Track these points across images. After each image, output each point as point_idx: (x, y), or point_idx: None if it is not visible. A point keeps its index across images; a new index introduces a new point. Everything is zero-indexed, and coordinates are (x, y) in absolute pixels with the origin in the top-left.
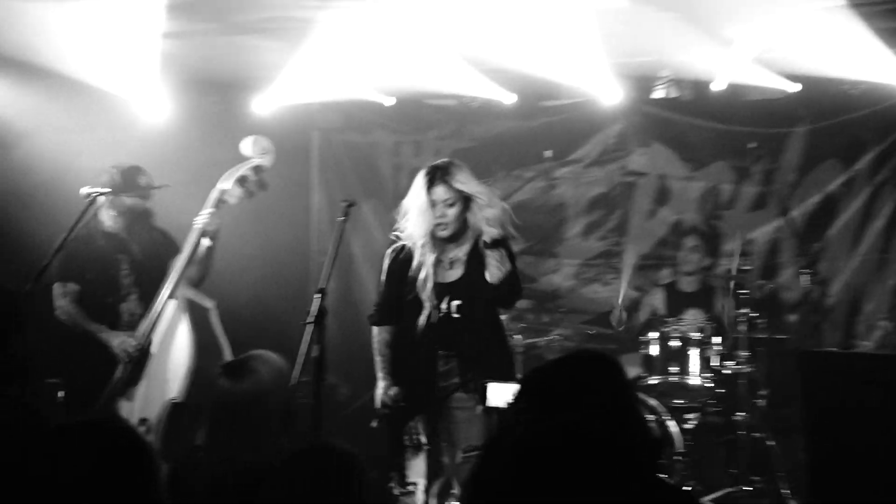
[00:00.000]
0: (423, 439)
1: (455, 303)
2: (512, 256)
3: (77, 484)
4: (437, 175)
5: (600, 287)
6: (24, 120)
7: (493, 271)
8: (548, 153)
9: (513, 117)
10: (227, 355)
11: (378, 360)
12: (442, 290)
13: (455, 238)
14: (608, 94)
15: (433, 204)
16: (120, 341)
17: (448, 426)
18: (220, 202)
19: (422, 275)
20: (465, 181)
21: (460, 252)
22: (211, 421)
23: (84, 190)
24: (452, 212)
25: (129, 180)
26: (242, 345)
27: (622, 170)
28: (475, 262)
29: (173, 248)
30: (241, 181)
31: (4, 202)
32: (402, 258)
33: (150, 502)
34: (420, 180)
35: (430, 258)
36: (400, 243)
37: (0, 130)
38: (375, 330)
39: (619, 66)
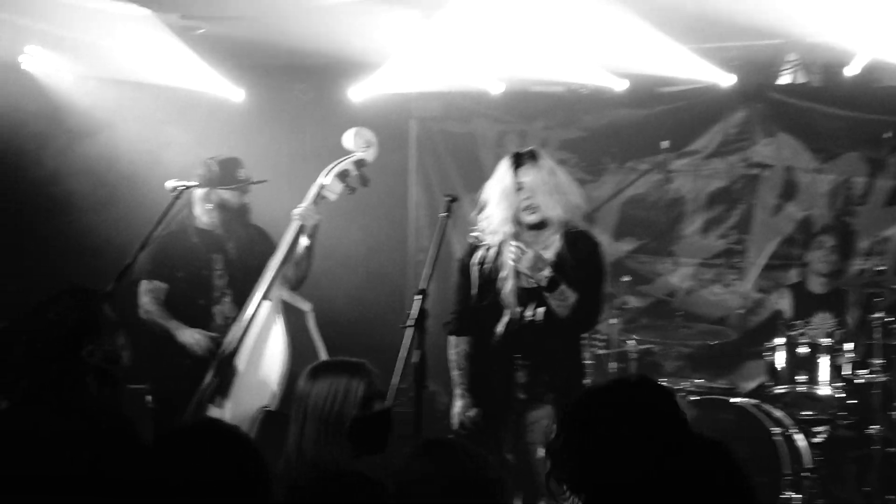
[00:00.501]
0: (509, 457)
1: (541, 310)
2: (579, 277)
3: (191, 489)
4: (526, 157)
5: (720, 289)
6: (105, 109)
7: (560, 311)
8: (664, 144)
9: (626, 105)
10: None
11: (456, 375)
12: (525, 294)
13: (543, 227)
14: (730, 79)
15: (519, 187)
16: (195, 338)
17: (525, 444)
18: (319, 198)
19: (503, 274)
20: (553, 167)
21: (548, 252)
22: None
23: (169, 184)
24: (542, 196)
25: (227, 173)
26: (339, 349)
27: (745, 161)
28: (564, 264)
29: (269, 247)
30: (343, 176)
31: (86, 195)
32: (481, 258)
33: None
34: (505, 164)
35: (507, 249)
36: (477, 242)
37: (79, 120)
38: (452, 340)
39: (743, 48)
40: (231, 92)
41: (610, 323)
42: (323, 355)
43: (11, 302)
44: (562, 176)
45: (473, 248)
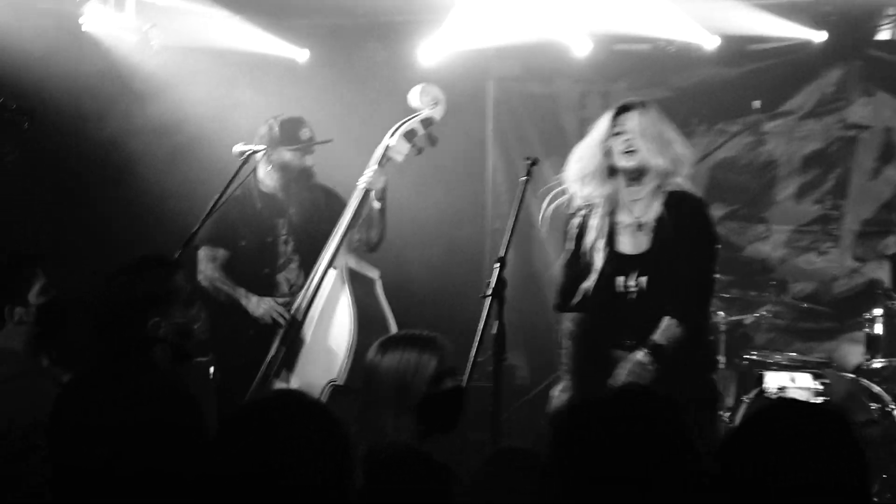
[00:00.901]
0: None
1: (643, 279)
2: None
3: (279, 462)
4: (632, 105)
5: (815, 257)
6: (169, 72)
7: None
8: (756, 104)
9: (715, 63)
10: (393, 329)
11: (560, 354)
12: (623, 262)
13: (641, 178)
14: (825, 35)
15: (618, 132)
16: (266, 307)
17: None
18: (385, 159)
19: (590, 236)
20: (662, 116)
21: (649, 214)
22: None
23: (237, 148)
24: (644, 140)
25: (289, 133)
26: (412, 320)
27: (841, 122)
28: (667, 227)
29: (340, 208)
30: (409, 136)
31: (150, 161)
32: (579, 224)
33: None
34: (607, 114)
35: (602, 214)
36: (578, 204)
37: (142, 82)
38: (561, 318)
39: (839, 2)
40: (297, 53)
41: None
42: (392, 325)
43: (75, 271)
44: (669, 127)
45: (571, 216)
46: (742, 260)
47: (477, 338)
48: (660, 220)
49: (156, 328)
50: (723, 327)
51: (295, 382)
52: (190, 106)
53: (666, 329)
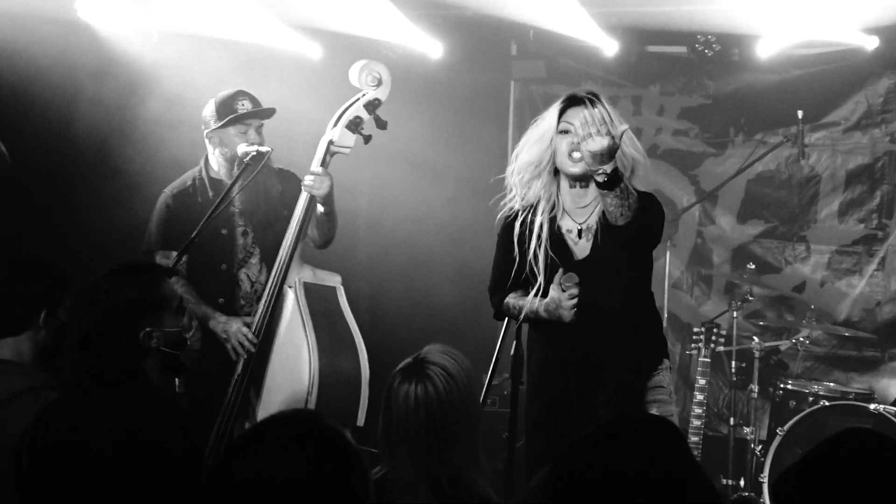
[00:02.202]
0: None
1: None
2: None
3: (280, 494)
4: (580, 99)
5: (858, 280)
6: (167, 65)
7: (620, 217)
8: (799, 114)
9: (756, 69)
10: (360, 349)
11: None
12: (567, 269)
13: (587, 183)
14: (875, 42)
15: (565, 131)
16: (235, 331)
17: None
18: (329, 156)
19: (533, 242)
20: (614, 113)
21: (592, 218)
22: (398, 433)
23: (241, 148)
24: (599, 140)
25: (225, 108)
26: (423, 337)
27: (890, 136)
28: (609, 232)
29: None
30: (354, 125)
31: (143, 159)
32: (510, 223)
33: None
34: (553, 107)
35: (542, 215)
36: (509, 206)
37: (137, 75)
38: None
39: (891, 7)
40: (308, 48)
41: (732, 316)
42: (358, 337)
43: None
44: (622, 126)
45: (509, 218)
46: (779, 282)
47: (494, 359)
48: (601, 224)
49: (148, 338)
50: (757, 353)
51: (261, 414)
52: (188, 103)
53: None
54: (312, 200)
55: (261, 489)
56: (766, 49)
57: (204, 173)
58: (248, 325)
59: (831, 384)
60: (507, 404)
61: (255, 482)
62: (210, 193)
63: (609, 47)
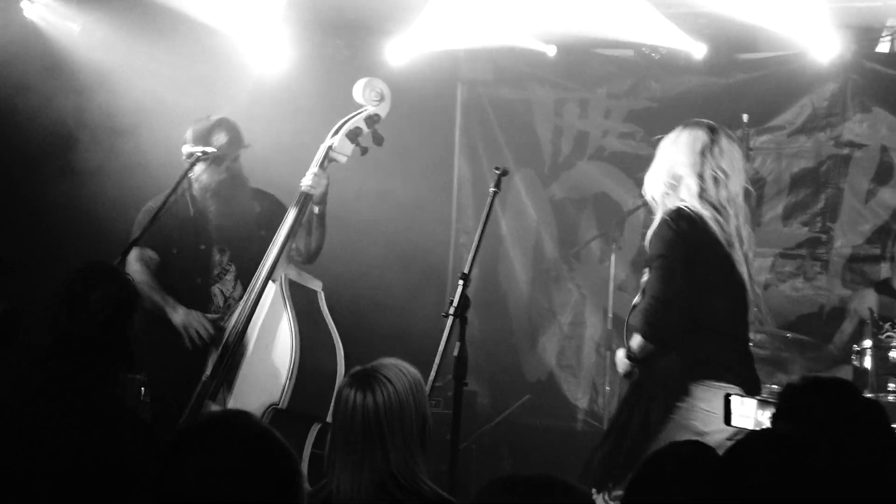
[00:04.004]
0: None
1: None
2: None
3: (213, 496)
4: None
5: (802, 283)
6: (115, 63)
7: None
8: (744, 118)
9: (702, 73)
10: (338, 347)
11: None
12: None
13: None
14: (820, 46)
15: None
16: (187, 318)
17: None
18: (328, 160)
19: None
20: None
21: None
22: (340, 438)
23: (186, 148)
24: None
25: (200, 140)
26: (368, 335)
27: (835, 140)
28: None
29: (279, 215)
30: (353, 135)
31: (89, 159)
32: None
33: None
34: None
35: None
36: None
37: (85, 74)
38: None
39: (836, 12)
40: (258, 46)
41: None
42: (337, 341)
43: (15, 274)
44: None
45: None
46: None
47: (437, 360)
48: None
49: (123, 338)
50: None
51: (232, 405)
52: (136, 102)
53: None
54: (307, 201)
55: (194, 490)
56: (712, 53)
57: (188, 189)
58: (218, 320)
59: (774, 386)
60: (450, 406)
61: (189, 483)
62: (191, 211)
63: (556, 50)
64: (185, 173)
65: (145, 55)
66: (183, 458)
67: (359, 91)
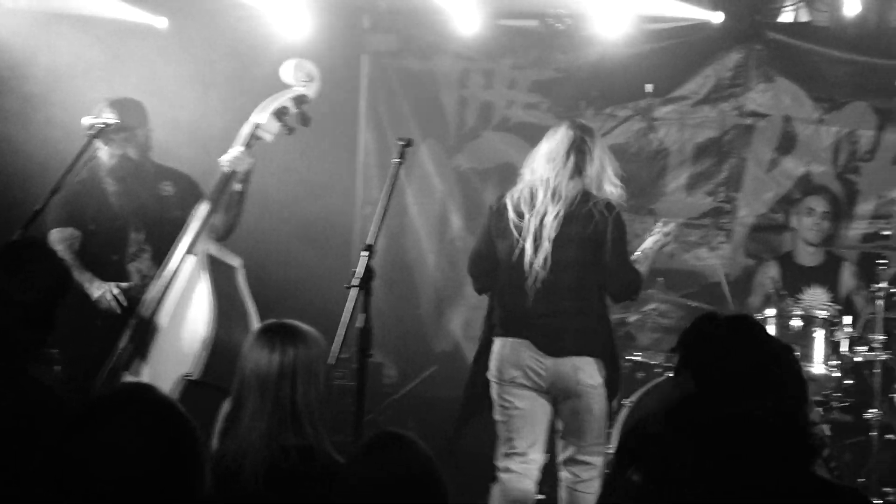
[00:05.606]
0: None
1: None
2: None
3: (116, 468)
4: None
5: (706, 252)
6: (19, 42)
7: None
8: (648, 88)
9: (606, 43)
10: (254, 323)
11: None
12: None
13: None
14: (724, 17)
15: None
16: (103, 292)
17: None
18: (253, 139)
19: None
20: None
21: None
22: (248, 394)
23: (86, 120)
24: None
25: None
26: (272, 311)
27: (738, 110)
28: None
29: (197, 196)
30: (280, 114)
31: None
32: None
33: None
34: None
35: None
36: None
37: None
38: None
39: None
40: (155, 20)
41: None
42: (254, 316)
43: None
44: None
45: None
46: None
47: (341, 332)
48: None
49: (49, 319)
50: None
51: (146, 376)
52: (42, 80)
53: None
54: (230, 178)
55: (95, 462)
56: (617, 23)
57: (102, 166)
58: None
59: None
60: (355, 378)
61: (90, 456)
62: (105, 188)
63: (462, 20)
64: (87, 144)
65: (56, 34)
66: (84, 431)
67: (289, 71)
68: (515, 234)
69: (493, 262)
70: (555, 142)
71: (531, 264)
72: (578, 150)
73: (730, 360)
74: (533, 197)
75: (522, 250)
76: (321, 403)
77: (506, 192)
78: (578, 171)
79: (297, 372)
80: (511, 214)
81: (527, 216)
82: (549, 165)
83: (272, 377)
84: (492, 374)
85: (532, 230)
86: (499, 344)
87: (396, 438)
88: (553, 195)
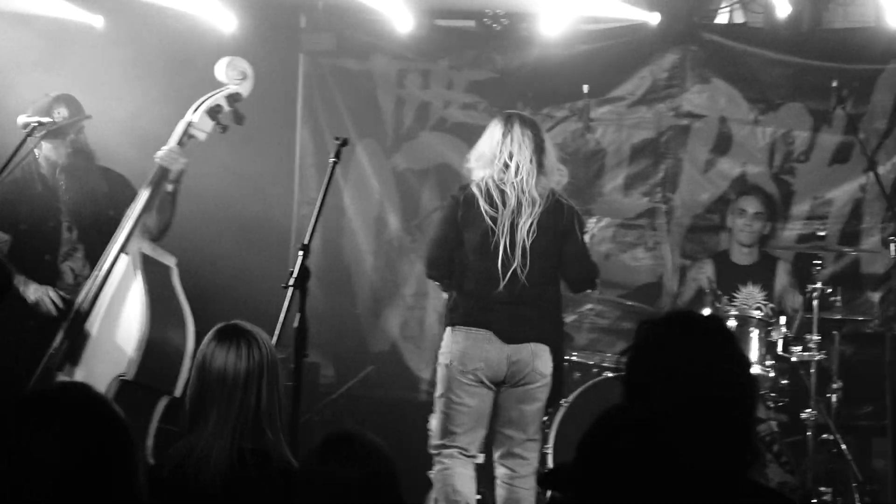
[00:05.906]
0: None
1: None
2: None
3: (44, 468)
4: None
5: (643, 253)
6: None
7: None
8: (584, 88)
9: (543, 44)
10: (189, 323)
11: None
12: None
13: None
14: (660, 18)
15: None
16: (38, 294)
17: None
18: (187, 137)
19: None
20: None
21: None
22: (208, 395)
23: (21, 119)
24: None
25: (43, 113)
26: (207, 312)
27: (674, 111)
28: None
29: (130, 195)
30: (214, 112)
31: None
32: None
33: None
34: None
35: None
36: None
37: None
38: None
39: None
40: (91, 19)
41: None
42: (188, 317)
43: None
44: None
45: None
46: None
47: (277, 331)
48: None
49: None
50: None
51: (80, 376)
52: None
53: None
54: (164, 176)
55: (25, 460)
56: (554, 24)
57: (35, 165)
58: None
59: (616, 356)
60: (292, 378)
61: (21, 453)
62: (39, 187)
63: (399, 21)
64: (21, 144)
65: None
66: (14, 429)
67: (222, 69)
68: (489, 222)
69: (454, 250)
70: (514, 138)
71: (505, 253)
72: (539, 149)
73: (683, 358)
74: (502, 191)
75: (497, 240)
76: (280, 406)
77: (464, 184)
78: (541, 166)
79: (262, 376)
80: (483, 204)
81: (500, 208)
82: (513, 161)
83: (239, 382)
84: (453, 364)
85: (508, 221)
86: (461, 334)
87: (354, 438)
88: (524, 190)
